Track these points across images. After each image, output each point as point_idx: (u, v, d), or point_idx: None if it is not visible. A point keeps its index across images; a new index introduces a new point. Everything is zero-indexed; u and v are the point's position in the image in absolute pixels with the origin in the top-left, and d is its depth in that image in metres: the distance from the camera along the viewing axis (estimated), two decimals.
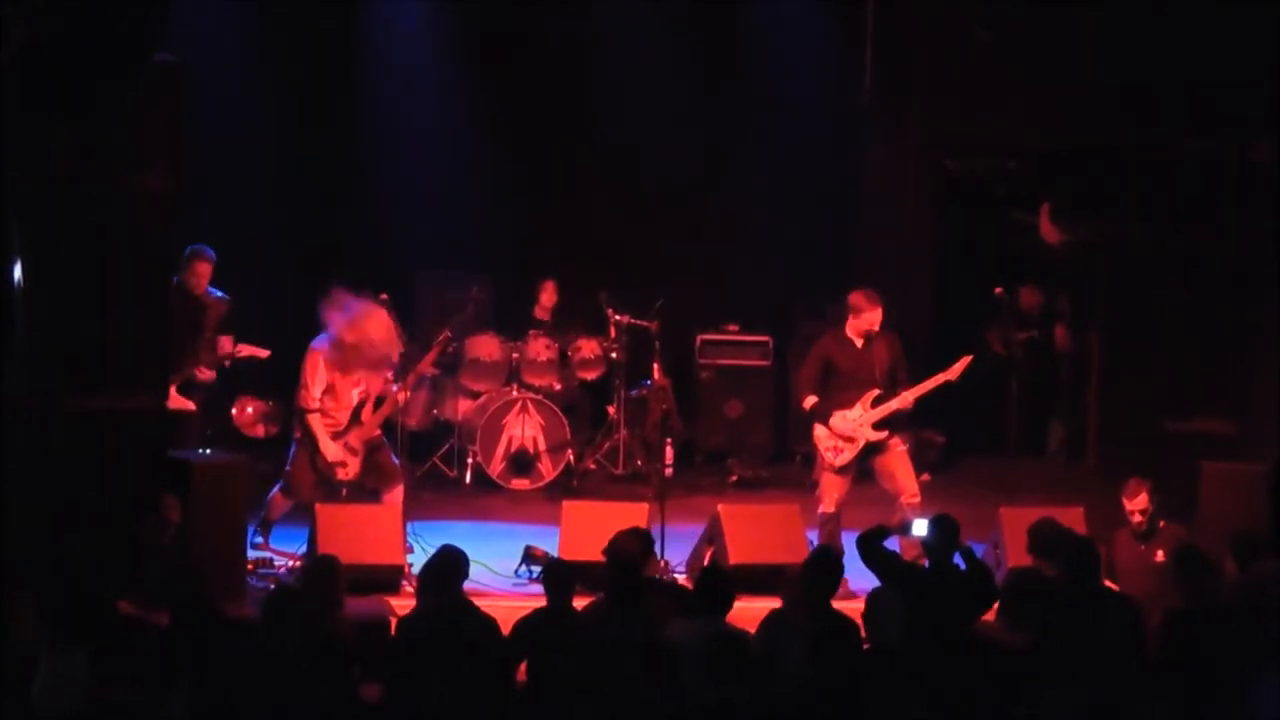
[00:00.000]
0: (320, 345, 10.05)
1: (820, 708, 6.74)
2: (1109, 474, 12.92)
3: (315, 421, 10.02)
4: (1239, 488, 10.13)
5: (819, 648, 6.93)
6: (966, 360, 10.15)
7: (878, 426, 10.10)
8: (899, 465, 10.18)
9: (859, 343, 10.23)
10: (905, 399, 10.08)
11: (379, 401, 10.24)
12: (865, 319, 10.20)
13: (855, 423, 10.12)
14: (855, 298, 10.29)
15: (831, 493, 10.18)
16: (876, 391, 10.11)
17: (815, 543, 10.03)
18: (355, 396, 10.14)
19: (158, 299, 9.28)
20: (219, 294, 11.14)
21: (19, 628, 7.55)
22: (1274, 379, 12.17)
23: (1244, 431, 12.34)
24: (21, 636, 7.49)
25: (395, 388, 10.32)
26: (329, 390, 10.05)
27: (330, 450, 10.04)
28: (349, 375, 10.07)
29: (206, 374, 11.03)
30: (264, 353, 11.47)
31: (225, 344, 11.15)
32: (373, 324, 10.02)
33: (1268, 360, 12.33)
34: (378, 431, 10.26)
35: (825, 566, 7.92)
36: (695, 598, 7.73)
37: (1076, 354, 14.44)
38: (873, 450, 10.15)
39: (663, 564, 9.96)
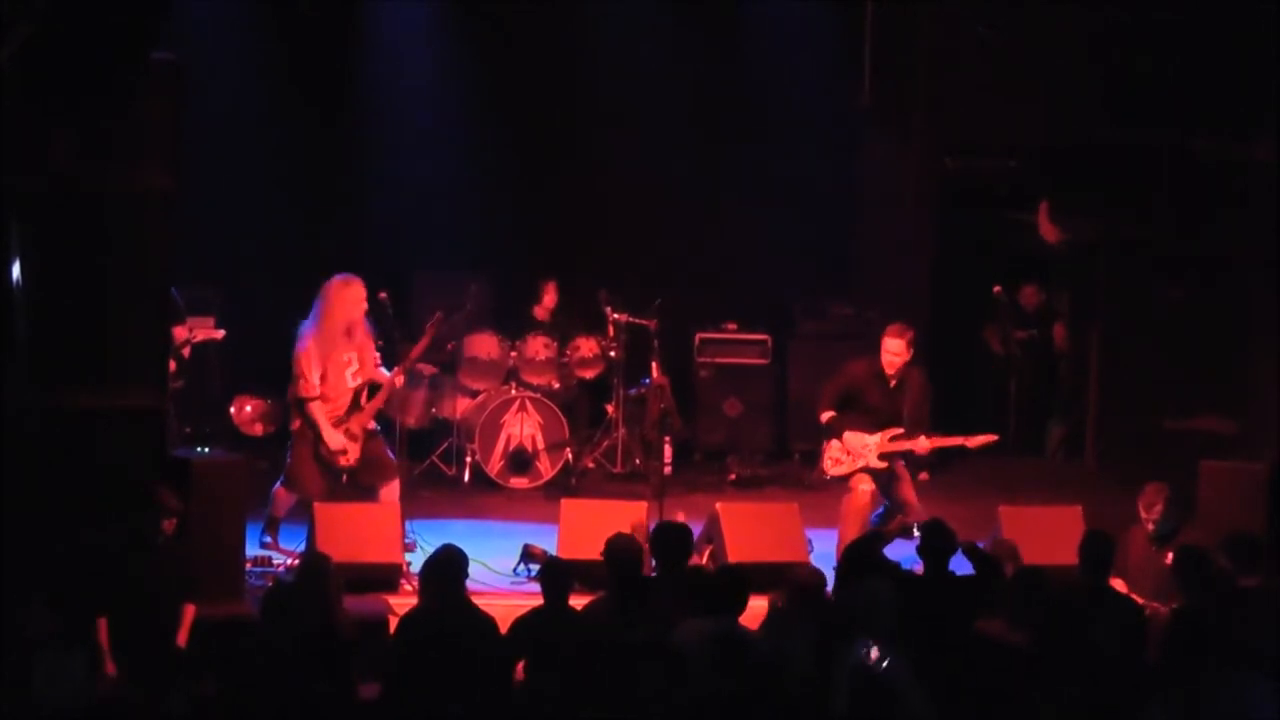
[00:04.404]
0: (305, 332, 10.10)
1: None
2: (1108, 473, 12.97)
3: (316, 410, 10.04)
4: (1239, 487, 10.12)
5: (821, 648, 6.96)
6: (991, 439, 10.27)
7: (883, 457, 10.16)
8: (906, 487, 10.27)
9: (892, 381, 10.25)
10: (922, 445, 10.12)
11: (374, 388, 10.26)
12: (884, 346, 10.25)
13: (867, 446, 10.17)
14: (887, 329, 10.36)
15: (861, 479, 10.23)
16: (900, 431, 10.17)
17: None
18: (350, 379, 10.14)
19: (157, 297, 9.28)
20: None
21: (27, 626, 7.58)
22: (1274, 379, 12.18)
23: (1244, 431, 12.35)
24: (30, 635, 7.51)
25: (389, 373, 10.34)
26: (324, 377, 10.07)
27: (332, 438, 10.04)
28: (335, 352, 10.07)
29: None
30: (219, 334, 11.96)
31: (179, 334, 11.27)
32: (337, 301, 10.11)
33: (1268, 360, 12.34)
34: (373, 423, 10.27)
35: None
36: (709, 596, 7.71)
37: (1075, 353, 14.44)
38: (886, 480, 10.23)
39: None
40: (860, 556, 8.22)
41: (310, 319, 10.13)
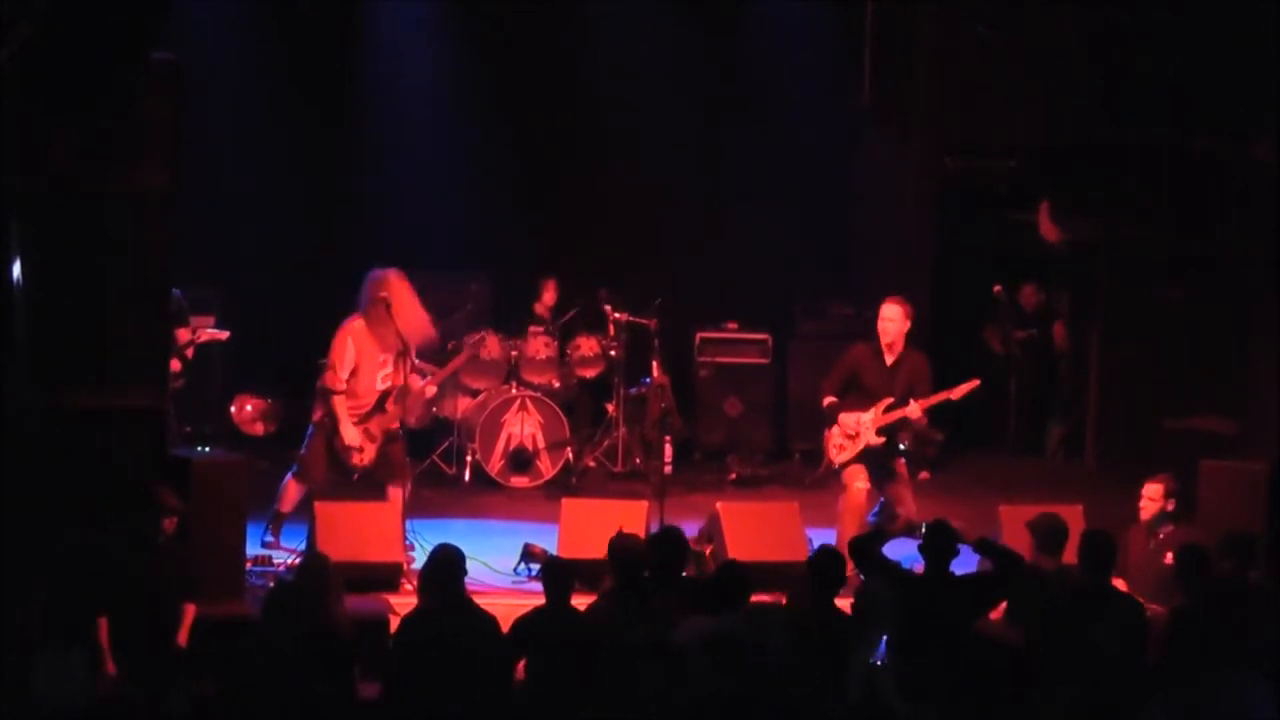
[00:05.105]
0: (350, 325, 10.07)
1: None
2: (1108, 473, 12.97)
3: (339, 403, 10.03)
4: (1239, 487, 10.13)
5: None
6: (973, 384, 10.18)
7: (880, 432, 10.14)
8: (904, 487, 10.24)
9: (889, 359, 10.24)
10: (914, 409, 10.09)
11: (403, 392, 10.24)
12: (881, 314, 10.24)
13: (861, 423, 10.17)
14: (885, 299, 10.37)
15: (855, 477, 10.22)
16: (890, 400, 10.16)
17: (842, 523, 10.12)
18: (380, 382, 10.12)
19: (157, 297, 9.28)
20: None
21: (27, 626, 7.58)
22: (1274, 379, 12.18)
23: (1244, 431, 12.35)
24: (30, 635, 7.52)
25: (422, 381, 10.32)
26: (354, 374, 10.05)
27: (349, 434, 10.04)
28: (378, 355, 10.05)
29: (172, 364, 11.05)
30: (223, 335, 11.89)
31: (183, 334, 11.30)
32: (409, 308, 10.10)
33: (1268, 360, 12.33)
34: (397, 424, 10.26)
35: (828, 564, 7.91)
36: (710, 594, 7.71)
37: (1075, 353, 14.45)
38: (882, 475, 10.20)
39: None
40: (860, 554, 8.22)
41: (364, 312, 10.07)
